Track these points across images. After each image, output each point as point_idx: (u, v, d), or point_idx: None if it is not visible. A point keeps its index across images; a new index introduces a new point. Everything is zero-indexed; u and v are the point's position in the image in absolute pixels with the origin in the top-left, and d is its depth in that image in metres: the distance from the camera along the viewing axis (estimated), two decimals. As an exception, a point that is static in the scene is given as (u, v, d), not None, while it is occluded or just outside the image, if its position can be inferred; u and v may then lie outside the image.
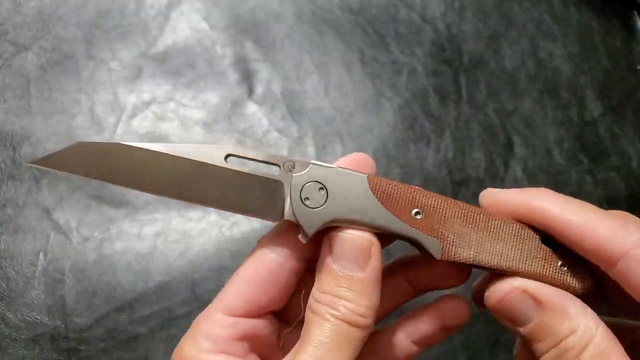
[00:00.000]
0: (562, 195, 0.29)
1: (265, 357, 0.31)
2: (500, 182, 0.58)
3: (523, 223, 0.29)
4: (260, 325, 0.30)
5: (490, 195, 0.30)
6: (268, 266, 0.29)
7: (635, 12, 0.67)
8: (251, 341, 0.30)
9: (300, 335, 0.29)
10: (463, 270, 0.32)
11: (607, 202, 0.59)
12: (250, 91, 0.57)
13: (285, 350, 0.31)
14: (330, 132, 0.57)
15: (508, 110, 0.61)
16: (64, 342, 0.47)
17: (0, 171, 0.50)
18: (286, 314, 0.32)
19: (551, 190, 0.29)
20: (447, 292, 0.33)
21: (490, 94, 0.61)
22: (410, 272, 0.33)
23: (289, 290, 0.31)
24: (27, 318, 0.47)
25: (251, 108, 0.56)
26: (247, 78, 0.57)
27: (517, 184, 0.58)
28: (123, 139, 0.53)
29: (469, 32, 0.63)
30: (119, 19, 0.57)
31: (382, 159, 0.57)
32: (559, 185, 0.59)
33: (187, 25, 0.58)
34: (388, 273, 0.33)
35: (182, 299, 0.49)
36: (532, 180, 0.58)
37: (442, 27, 0.63)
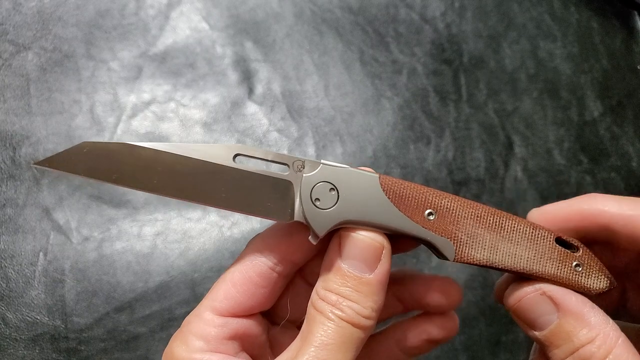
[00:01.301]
0: (613, 195, 0.28)
1: (255, 356, 0.31)
2: (500, 182, 0.58)
3: (566, 230, 0.29)
4: (250, 325, 0.30)
5: (538, 214, 0.30)
6: (258, 269, 0.29)
7: (635, 12, 0.67)
8: (241, 340, 0.30)
9: (288, 334, 0.29)
10: (452, 299, 0.32)
11: (607, 202, 0.59)
12: (250, 91, 0.57)
13: (274, 348, 0.31)
14: (330, 132, 0.57)
15: (508, 110, 0.61)
16: (64, 342, 0.47)
17: (0, 171, 0.50)
18: (274, 314, 0.32)
19: (600, 194, 0.29)
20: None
21: (490, 94, 0.61)
22: (399, 289, 0.33)
23: (277, 292, 0.31)
24: (27, 318, 0.47)
25: (251, 108, 0.56)
26: (247, 78, 0.57)
27: (517, 184, 0.58)
28: (123, 139, 0.53)
29: (469, 32, 0.63)
30: (119, 19, 0.57)
31: (382, 159, 0.57)
32: (559, 185, 0.59)
33: (187, 25, 0.58)
34: None
35: (182, 299, 0.49)
36: (532, 180, 0.58)
37: (442, 27, 0.63)
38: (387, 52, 0.61)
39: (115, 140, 0.53)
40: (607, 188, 0.59)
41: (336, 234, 0.28)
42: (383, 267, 0.28)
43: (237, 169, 0.28)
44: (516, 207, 0.56)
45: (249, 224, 0.52)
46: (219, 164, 0.28)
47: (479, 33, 0.63)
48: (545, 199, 0.58)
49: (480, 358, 0.52)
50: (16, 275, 0.48)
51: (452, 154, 0.58)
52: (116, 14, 0.57)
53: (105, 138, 0.53)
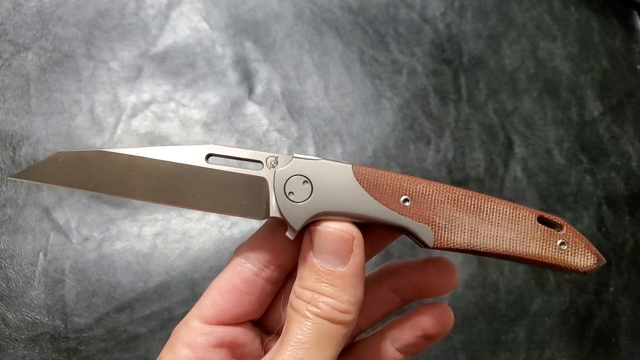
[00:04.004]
0: None
1: None
2: (500, 182, 0.58)
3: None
4: (239, 333, 0.30)
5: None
6: (243, 276, 0.29)
7: (635, 12, 0.67)
8: (231, 348, 0.30)
9: None
10: (449, 278, 0.31)
11: (607, 202, 0.59)
12: (250, 91, 0.57)
13: None
14: (330, 132, 0.57)
15: (508, 110, 0.61)
16: (64, 342, 0.47)
17: (0, 171, 0.50)
18: (269, 323, 0.32)
19: None
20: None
21: (490, 94, 0.61)
22: (395, 281, 0.33)
23: (265, 299, 0.31)
24: (27, 318, 0.47)
25: (251, 108, 0.56)
26: (247, 78, 0.57)
27: (517, 183, 0.58)
28: (123, 139, 0.53)
29: (468, 32, 0.63)
30: (119, 19, 0.57)
31: (382, 159, 0.57)
32: (559, 185, 0.59)
33: (187, 25, 0.58)
34: (373, 282, 0.33)
35: (182, 299, 0.49)
36: (531, 180, 0.58)
37: (442, 27, 0.63)
38: (387, 52, 0.61)
39: (114, 141, 0.53)
40: (607, 188, 0.59)
41: (307, 229, 0.28)
42: (356, 259, 0.27)
43: (210, 169, 0.28)
44: (516, 207, 0.56)
45: (249, 224, 0.52)
46: (191, 165, 0.28)
47: (479, 33, 0.63)
48: (544, 199, 0.58)
49: (479, 357, 0.52)
50: (16, 275, 0.48)
51: (452, 154, 0.58)
52: (116, 14, 0.57)
53: (105, 138, 0.53)
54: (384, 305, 0.33)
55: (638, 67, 0.65)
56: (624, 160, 0.61)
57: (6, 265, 0.48)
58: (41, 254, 0.49)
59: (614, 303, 0.57)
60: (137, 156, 0.28)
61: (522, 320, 0.54)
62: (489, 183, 0.57)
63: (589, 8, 0.66)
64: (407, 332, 0.32)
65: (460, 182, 0.57)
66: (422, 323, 0.32)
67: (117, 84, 0.55)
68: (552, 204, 0.57)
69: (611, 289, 0.57)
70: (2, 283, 0.47)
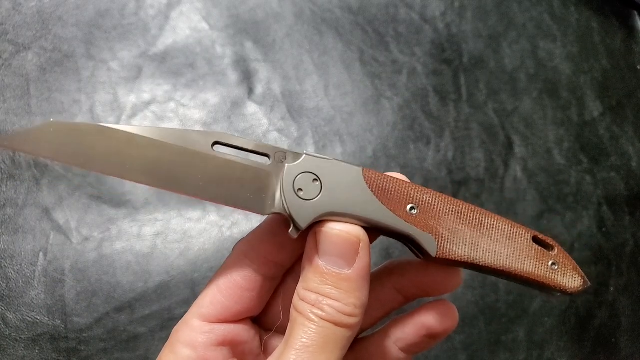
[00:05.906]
0: None
1: None
2: (500, 182, 0.58)
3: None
4: (240, 331, 0.30)
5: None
6: (243, 272, 0.29)
7: (635, 12, 0.67)
8: (231, 346, 0.29)
9: (281, 339, 0.28)
10: (454, 277, 0.31)
11: (607, 202, 0.59)
12: (250, 91, 0.57)
13: (268, 355, 0.31)
14: (330, 132, 0.57)
15: (508, 110, 0.61)
16: (64, 342, 0.47)
17: (0, 171, 0.50)
18: (267, 320, 0.32)
19: None
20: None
21: (490, 94, 0.61)
22: (398, 280, 0.32)
23: (265, 296, 0.30)
24: (27, 318, 0.47)
25: (251, 108, 0.56)
26: (247, 78, 0.57)
27: (517, 183, 0.58)
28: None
29: (468, 32, 0.63)
30: (119, 19, 0.57)
31: (382, 159, 0.57)
32: (559, 185, 0.59)
33: (187, 25, 0.58)
34: (376, 281, 0.32)
35: (182, 299, 0.49)
36: (532, 180, 0.58)
37: (442, 27, 0.63)
38: (387, 52, 0.61)
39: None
40: (607, 188, 0.59)
41: (312, 230, 0.27)
42: (362, 262, 0.27)
43: (215, 157, 0.27)
44: (516, 207, 0.57)
45: (249, 224, 0.52)
46: (196, 151, 0.27)
47: (479, 33, 0.63)
48: (545, 199, 0.58)
49: (479, 357, 0.52)
50: (16, 275, 0.48)
51: (452, 154, 0.58)
52: (116, 14, 0.57)
53: (105, 138, 0.53)
54: (386, 304, 0.33)
55: (638, 67, 0.65)
56: (624, 160, 0.61)
57: (6, 265, 0.48)
58: (41, 254, 0.49)
59: (614, 303, 0.57)
60: (137, 134, 0.26)
61: (522, 320, 0.54)
62: (489, 183, 0.57)
63: (589, 8, 0.66)
64: (411, 331, 0.31)
65: (461, 182, 0.57)
66: (427, 322, 0.31)
67: (117, 84, 0.55)
68: (552, 204, 0.57)
69: (611, 289, 0.57)
70: (2, 283, 0.47)
